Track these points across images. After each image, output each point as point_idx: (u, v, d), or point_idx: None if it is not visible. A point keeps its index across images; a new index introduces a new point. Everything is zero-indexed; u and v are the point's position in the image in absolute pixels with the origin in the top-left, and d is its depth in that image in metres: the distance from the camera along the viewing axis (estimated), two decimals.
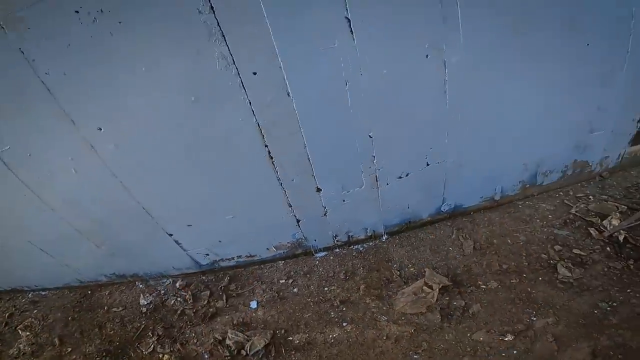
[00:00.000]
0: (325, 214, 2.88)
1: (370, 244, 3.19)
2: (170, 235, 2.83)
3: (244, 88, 2.03)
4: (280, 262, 3.19)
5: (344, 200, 2.82)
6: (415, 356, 2.32)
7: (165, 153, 2.28)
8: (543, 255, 2.79)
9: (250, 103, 2.10)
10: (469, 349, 2.32)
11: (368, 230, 3.14)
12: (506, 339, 2.30)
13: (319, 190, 2.70)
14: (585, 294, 2.50)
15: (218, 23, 1.79)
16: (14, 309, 3.34)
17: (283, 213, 2.82)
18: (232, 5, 1.77)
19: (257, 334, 2.59)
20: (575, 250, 2.80)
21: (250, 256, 3.13)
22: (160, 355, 2.64)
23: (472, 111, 2.51)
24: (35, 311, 3.25)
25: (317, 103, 2.20)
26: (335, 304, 2.74)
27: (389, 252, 3.07)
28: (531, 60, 2.36)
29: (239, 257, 3.13)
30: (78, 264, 3.12)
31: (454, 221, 3.25)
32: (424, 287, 2.64)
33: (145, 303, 3.06)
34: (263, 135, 2.27)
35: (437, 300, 2.56)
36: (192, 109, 2.08)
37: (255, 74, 2.00)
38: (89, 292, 3.33)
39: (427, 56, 2.16)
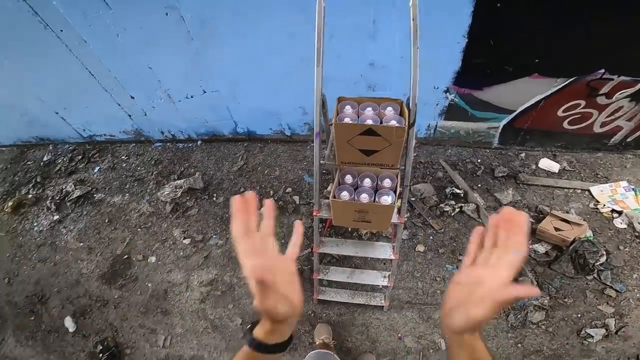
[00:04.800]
0: (145, 114, 3.79)
1: (190, 144, 3.92)
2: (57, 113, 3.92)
3: None
4: (132, 144, 4.19)
5: (153, 107, 3.58)
6: (139, 230, 3.27)
7: None
8: (270, 191, 3.24)
9: None
10: (164, 238, 3.14)
11: (184, 133, 3.90)
12: (185, 241, 3.08)
13: (132, 97, 3.57)
14: None
15: None
16: None
17: (117, 109, 3.77)
18: None
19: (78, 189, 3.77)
20: (294, 197, 3.20)
21: (112, 135, 4.27)
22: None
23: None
24: None
25: None
26: (133, 180, 3.71)
27: (191, 154, 3.79)
28: None
29: (105, 135, 4.25)
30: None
31: (251, 144, 3.73)
32: (182, 184, 3.44)
33: (46, 159, 4.32)
34: None
35: (180, 196, 3.35)
36: None
37: None
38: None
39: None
